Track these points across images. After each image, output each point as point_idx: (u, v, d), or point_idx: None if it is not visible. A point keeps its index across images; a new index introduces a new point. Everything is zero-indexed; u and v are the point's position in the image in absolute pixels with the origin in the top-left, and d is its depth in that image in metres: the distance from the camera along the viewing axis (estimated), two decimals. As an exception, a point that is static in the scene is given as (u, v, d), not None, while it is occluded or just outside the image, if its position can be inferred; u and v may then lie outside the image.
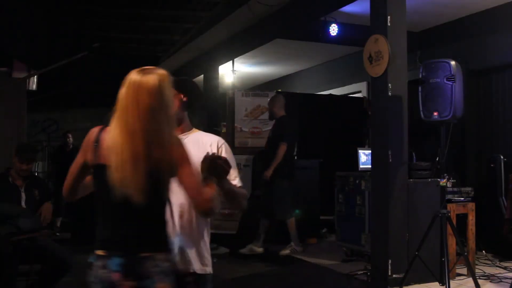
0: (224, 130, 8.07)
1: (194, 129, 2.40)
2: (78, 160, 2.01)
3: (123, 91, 1.90)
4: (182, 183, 1.90)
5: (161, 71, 1.96)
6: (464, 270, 5.03)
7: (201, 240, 2.24)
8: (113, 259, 1.84)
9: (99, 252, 1.88)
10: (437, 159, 4.77)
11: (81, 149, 1.99)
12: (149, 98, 1.86)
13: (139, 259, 1.84)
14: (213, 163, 1.99)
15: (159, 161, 1.84)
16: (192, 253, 2.20)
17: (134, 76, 1.92)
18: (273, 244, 6.78)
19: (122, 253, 1.85)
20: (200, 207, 1.93)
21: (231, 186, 2.16)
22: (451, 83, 4.39)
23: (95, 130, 1.98)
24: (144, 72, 1.93)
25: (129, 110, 1.86)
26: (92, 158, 1.94)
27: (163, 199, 1.93)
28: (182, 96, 2.32)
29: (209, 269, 2.25)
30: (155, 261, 1.85)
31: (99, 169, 1.91)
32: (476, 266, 5.20)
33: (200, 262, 2.22)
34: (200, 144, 2.29)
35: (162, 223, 1.94)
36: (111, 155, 1.84)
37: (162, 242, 1.93)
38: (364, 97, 8.43)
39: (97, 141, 1.93)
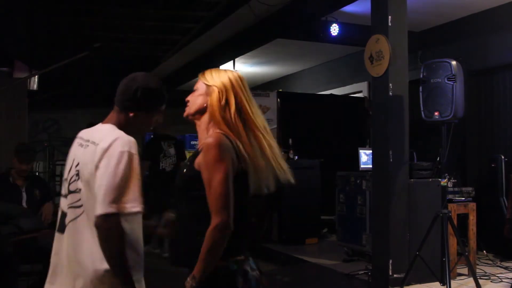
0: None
1: None
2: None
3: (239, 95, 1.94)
4: None
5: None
6: (465, 270, 5.03)
7: None
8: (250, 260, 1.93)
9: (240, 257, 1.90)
10: (438, 159, 4.77)
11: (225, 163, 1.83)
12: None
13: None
14: None
15: None
16: None
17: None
18: (275, 244, 6.79)
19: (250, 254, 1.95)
20: None
21: None
22: (452, 83, 4.39)
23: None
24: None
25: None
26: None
27: None
28: None
29: None
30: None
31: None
32: (477, 266, 5.20)
33: None
34: None
35: None
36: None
37: None
38: (365, 97, 8.43)
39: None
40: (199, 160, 1.86)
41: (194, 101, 1.99)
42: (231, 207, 1.78)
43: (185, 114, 2.03)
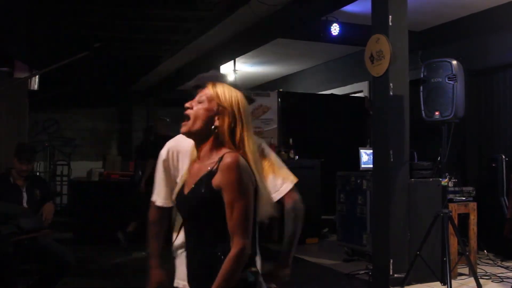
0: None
1: None
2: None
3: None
4: None
5: None
6: (465, 270, 5.02)
7: None
8: None
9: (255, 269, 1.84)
10: (438, 159, 4.77)
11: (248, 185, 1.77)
12: None
13: None
14: None
15: None
16: None
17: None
18: (275, 244, 6.78)
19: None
20: None
21: None
22: (452, 83, 4.40)
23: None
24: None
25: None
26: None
27: None
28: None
29: None
30: None
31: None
32: (478, 266, 5.20)
33: None
34: None
35: None
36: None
37: None
38: (366, 96, 8.43)
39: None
40: (218, 180, 1.75)
41: (199, 115, 1.83)
42: (251, 229, 1.77)
43: (185, 129, 1.84)
